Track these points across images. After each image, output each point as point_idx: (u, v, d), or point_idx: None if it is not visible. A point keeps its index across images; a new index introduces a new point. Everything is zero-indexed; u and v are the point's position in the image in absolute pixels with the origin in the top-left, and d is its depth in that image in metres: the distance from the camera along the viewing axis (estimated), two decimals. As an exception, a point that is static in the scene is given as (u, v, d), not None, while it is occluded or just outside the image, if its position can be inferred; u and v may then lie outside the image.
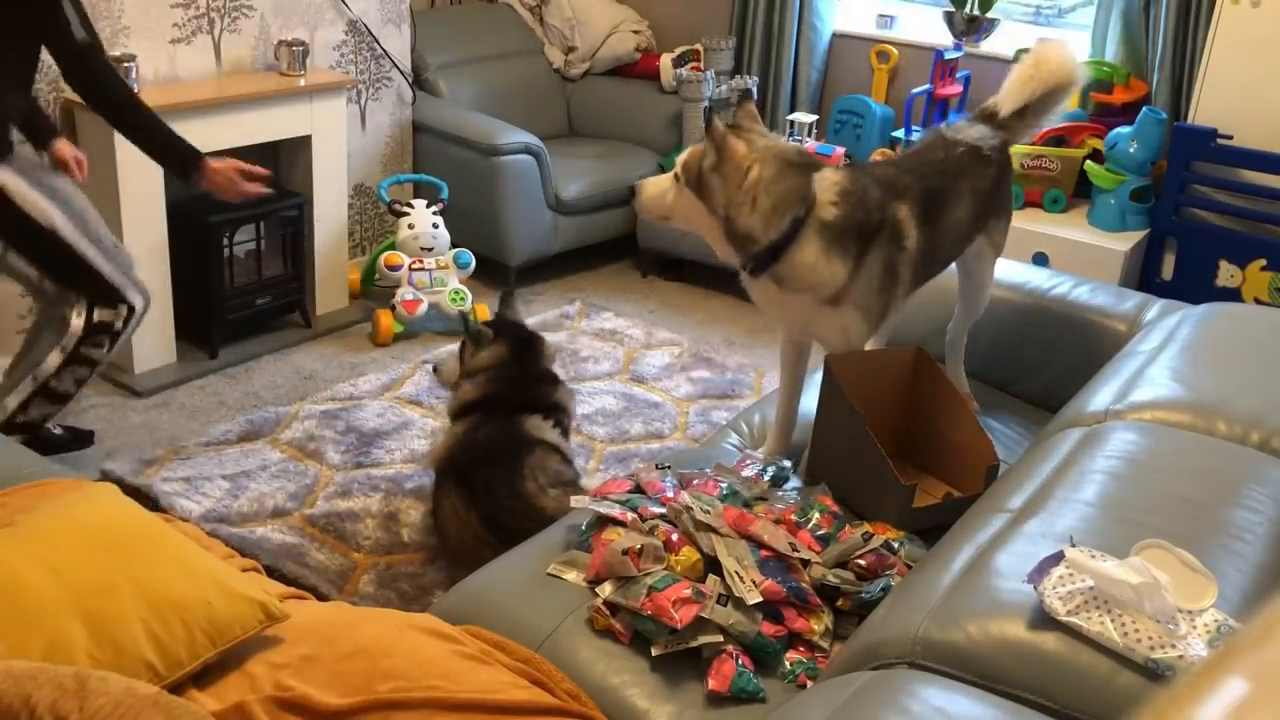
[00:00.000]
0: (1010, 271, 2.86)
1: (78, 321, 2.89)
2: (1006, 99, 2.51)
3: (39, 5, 2.64)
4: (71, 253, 2.83)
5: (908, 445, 2.43)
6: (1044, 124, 2.69)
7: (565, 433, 2.85)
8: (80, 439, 3.21)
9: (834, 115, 4.67)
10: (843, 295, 2.25)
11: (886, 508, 2.12)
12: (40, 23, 2.68)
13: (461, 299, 4.05)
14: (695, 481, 2.11)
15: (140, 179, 3.43)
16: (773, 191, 2.18)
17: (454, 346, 3.05)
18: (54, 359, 2.91)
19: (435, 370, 3.01)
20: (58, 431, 3.16)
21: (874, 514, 2.13)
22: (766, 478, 2.23)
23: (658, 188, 2.36)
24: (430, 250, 4.07)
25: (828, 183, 2.22)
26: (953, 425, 2.31)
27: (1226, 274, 3.85)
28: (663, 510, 1.99)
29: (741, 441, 2.60)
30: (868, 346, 2.43)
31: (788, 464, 2.35)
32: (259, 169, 2.96)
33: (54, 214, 2.80)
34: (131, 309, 2.95)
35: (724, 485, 2.09)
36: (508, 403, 2.76)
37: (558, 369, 3.73)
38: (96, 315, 2.89)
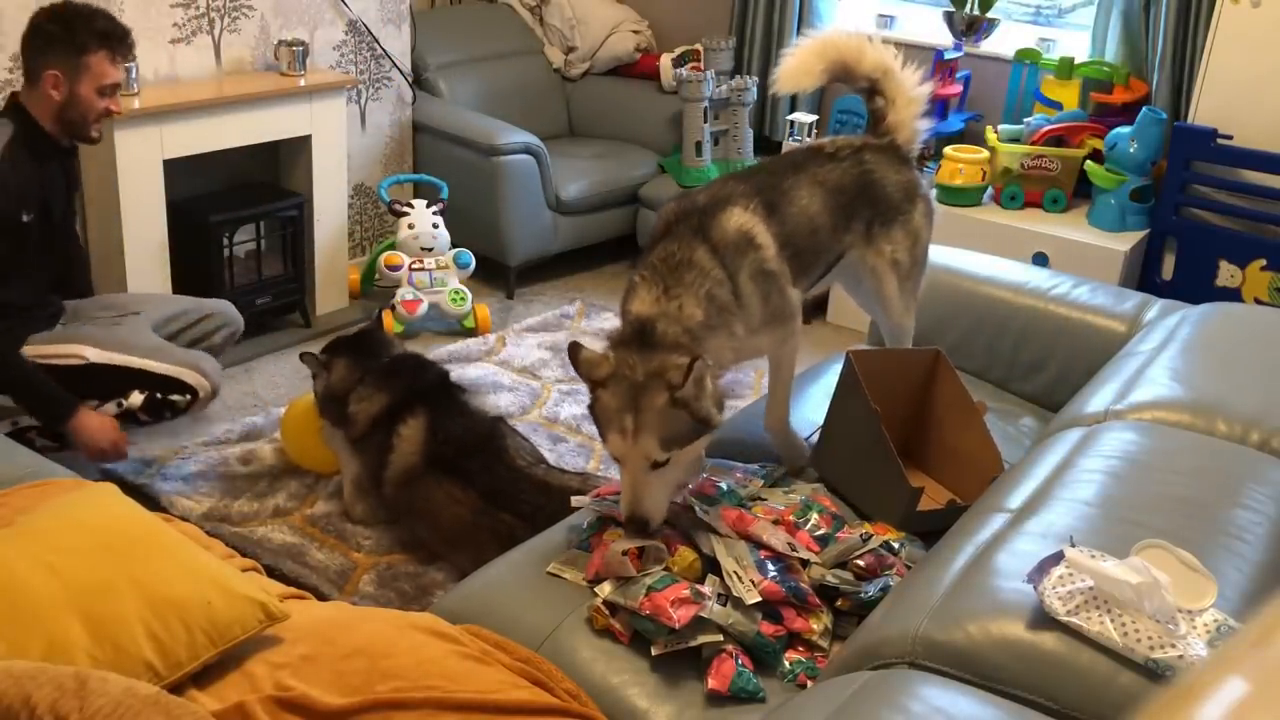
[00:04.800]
0: (1010, 271, 2.86)
1: (137, 398, 2.94)
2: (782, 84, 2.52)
3: None
4: (114, 368, 2.90)
5: (914, 447, 2.42)
6: (887, 113, 2.55)
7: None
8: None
9: (834, 115, 4.67)
10: (761, 324, 2.17)
11: (891, 507, 2.11)
12: None
13: (462, 299, 4.05)
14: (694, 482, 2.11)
15: (140, 179, 3.43)
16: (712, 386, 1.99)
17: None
18: (107, 407, 2.94)
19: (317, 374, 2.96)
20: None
21: (876, 512, 2.12)
22: (762, 478, 2.22)
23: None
24: (430, 250, 4.07)
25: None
26: (962, 432, 2.29)
27: (1226, 274, 3.85)
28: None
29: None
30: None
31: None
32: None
33: (82, 348, 2.88)
34: (195, 394, 3.01)
35: (722, 485, 2.09)
36: (421, 392, 2.82)
37: (556, 369, 3.76)
38: (158, 394, 2.97)
